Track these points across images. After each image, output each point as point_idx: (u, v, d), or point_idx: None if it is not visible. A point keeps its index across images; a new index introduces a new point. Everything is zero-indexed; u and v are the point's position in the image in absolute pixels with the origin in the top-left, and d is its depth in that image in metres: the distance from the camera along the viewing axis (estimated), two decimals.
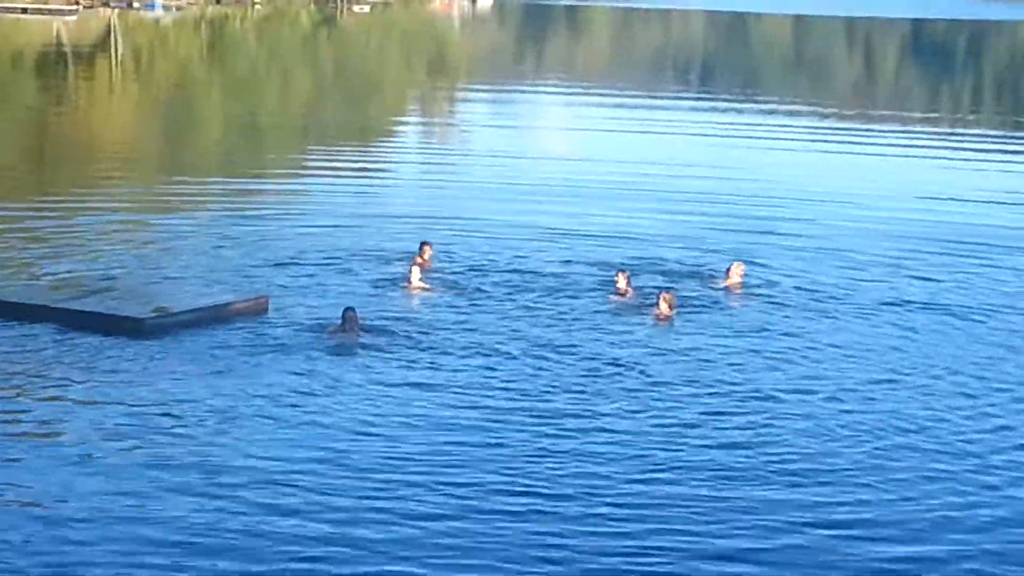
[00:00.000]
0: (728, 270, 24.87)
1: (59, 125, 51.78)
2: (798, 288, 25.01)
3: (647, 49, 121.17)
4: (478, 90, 74.23)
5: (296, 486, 15.23)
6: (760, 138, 51.12)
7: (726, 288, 24.48)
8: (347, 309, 21.09)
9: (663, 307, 22.50)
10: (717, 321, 22.62)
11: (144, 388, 18.21)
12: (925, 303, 24.40)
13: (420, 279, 24.02)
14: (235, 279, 24.36)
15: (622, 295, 23.62)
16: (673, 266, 26.59)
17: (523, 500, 15.15)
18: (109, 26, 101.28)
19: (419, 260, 25.42)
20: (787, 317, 23.06)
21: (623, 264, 25.50)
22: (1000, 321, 23.44)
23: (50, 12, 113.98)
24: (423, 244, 26.09)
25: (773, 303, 23.90)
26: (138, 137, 49.85)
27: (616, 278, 24.06)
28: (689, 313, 22.90)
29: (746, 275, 24.94)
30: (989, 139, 56.46)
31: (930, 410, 18.57)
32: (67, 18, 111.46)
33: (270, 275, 24.81)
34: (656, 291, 23.31)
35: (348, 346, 20.41)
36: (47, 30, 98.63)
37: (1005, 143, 55.21)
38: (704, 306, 23.46)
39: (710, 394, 18.93)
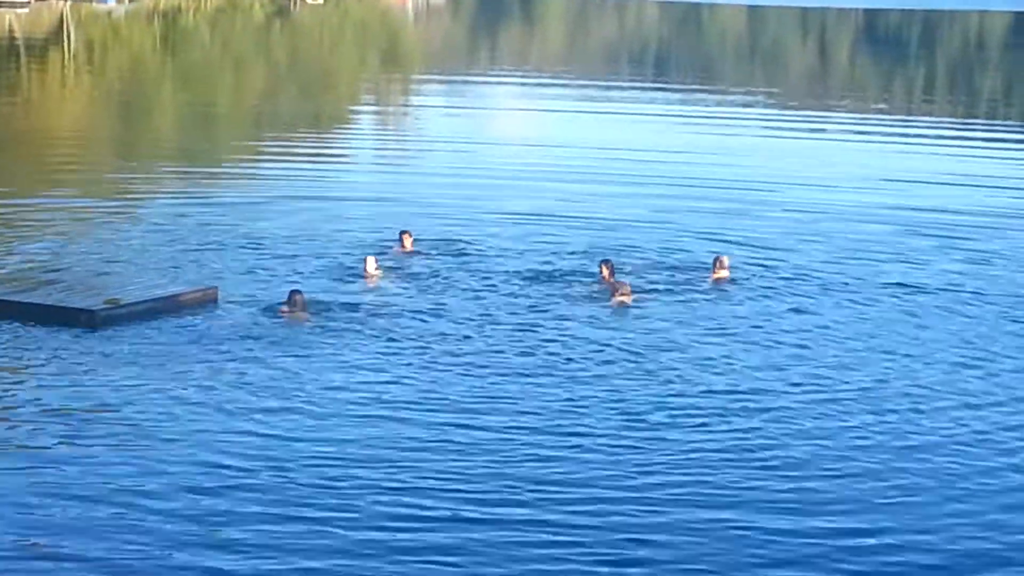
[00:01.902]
0: (715, 262, 24.28)
1: (10, 116, 51.36)
2: (785, 277, 24.69)
3: (603, 39, 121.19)
4: (433, 80, 74.11)
5: (249, 472, 15.15)
6: (718, 126, 51.15)
7: (714, 280, 23.88)
8: (293, 291, 21.40)
9: (622, 294, 22.41)
10: (710, 312, 22.24)
11: (100, 380, 18.01)
12: (909, 284, 24.35)
13: (376, 267, 23.88)
14: (186, 268, 24.23)
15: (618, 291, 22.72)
16: (653, 255, 26.23)
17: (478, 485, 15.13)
18: (62, 18, 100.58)
19: (399, 249, 25.36)
20: (783, 305, 22.80)
21: (606, 255, 24.80)
22: (1008, 305, 23.35)
23: (2, 4, 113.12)
24: (403, 233, 25.87)
25: (766, 292, 23.58)
26: (89, 127, 49.50)
27: (600, 269, 23.70)
28: (680, 304, 22.59)
29: (732, 265, 24.47)
30: (944, 125, 56.62)
31: (924, 389, 18.62)
32: (19, 10, 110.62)
33: (221, 263, 24.66)
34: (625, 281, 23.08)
35: (296, 330, 20.42)
36: None
37: (959, 129, 55.40)
38: (694, 298, 22.99)
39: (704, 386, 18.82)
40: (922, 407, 17.95)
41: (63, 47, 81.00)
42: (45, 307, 20.79)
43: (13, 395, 17.52)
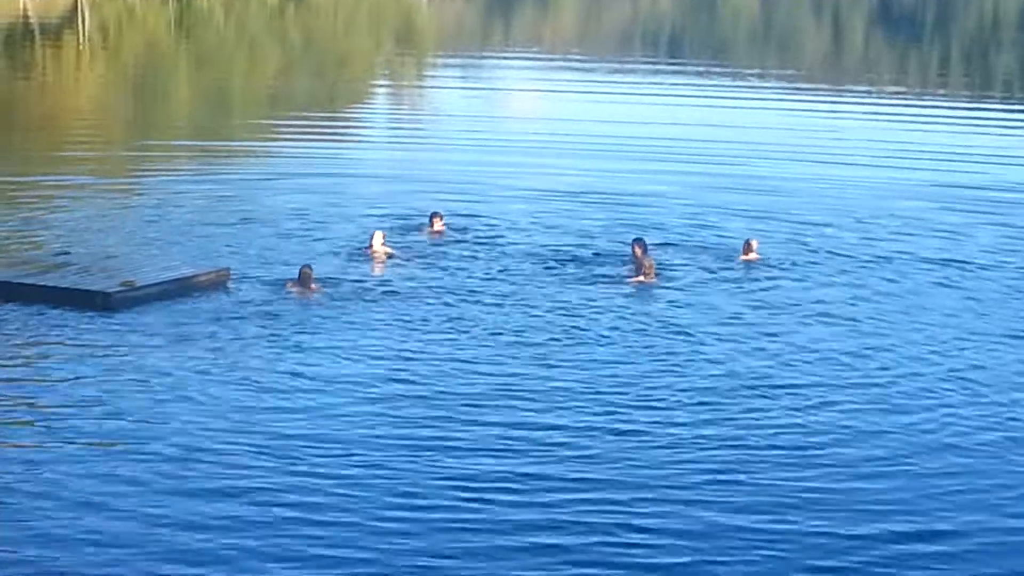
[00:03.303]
0: (745, 245, 24.12)
1: (24, 97, 51.35)
2: (814, 254, 24.70)
3: (617, 21, 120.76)
4: (447, 61, 73.93)
5: (265, 450, 15.24)
6: (735, 105, 50.84)
7: (745, 262, 23.72)
8: (304, 266, 21.70)
9: (645, 273, 22.24)
10: (739, 293, 22.12)
11: (118, 362, 18.08)
12: (944, 260, 24.42)
13: (383, 244, 23.84)
14: (200, 248, 24.34)
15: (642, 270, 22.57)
16: (679, 234, 26.14)
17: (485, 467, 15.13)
18: (76, 0, 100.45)
19: (431, 230, 25.33)
20: (815, 285, 22.72)
21: (635, 234, 24.59)
22: None
23: None
24: (433, 215, 25.81)
25: (797, 272, 23.44)
26: (103, 108, 49.47)
27: (632, 248, 23.37)
28: (708, 285, 22.51)
29: (761, 246, 24.34)
30: (962, 102, 56.38)
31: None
32: None
33: (235, 242, 24.79)
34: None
35: (307, 308, 20.55)
36: (13, 4, 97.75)
37: (978, 106, 55.16)
38: (724, 279, 22.89)
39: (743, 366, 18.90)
40: (974, 388, 17.76)
41: (77, 29, 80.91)
42: (61, 289, 20.86)
43: (32, 377, 17.57)
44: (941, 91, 62.12)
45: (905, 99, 56.13)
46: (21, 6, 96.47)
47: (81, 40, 75.56)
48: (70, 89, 56.62)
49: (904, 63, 79.37)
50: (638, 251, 23.08)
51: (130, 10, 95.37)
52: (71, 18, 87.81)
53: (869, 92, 58.28)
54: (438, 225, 25.52)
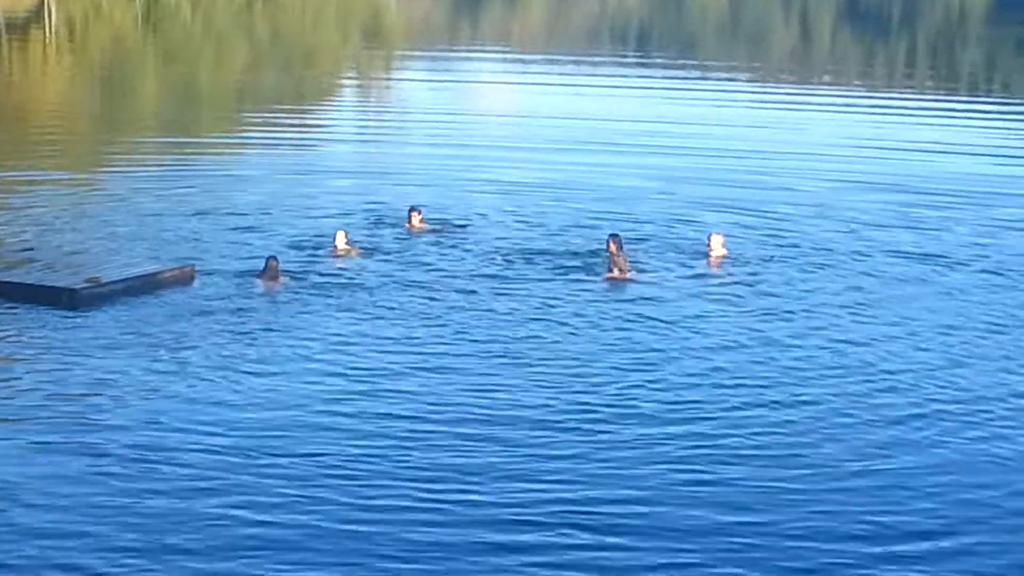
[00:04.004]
0: (708, 240, 23.80)
1: None
2: (790, 247, 24.68)
3: (584, 17, 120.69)
4: (415, 56, 73.79)
5: (234, 447, 15.18)
6: (703, 99, 50.73)
7: (708, 259, 23.48)
8: (270, 257, 21.80)
9: (619, 268, 22.17)
10: (708, 289, 22.02)
11: (84, 359, 17.95)
12: (915, 253, 24.42)
13: (346, 242, 23.70)
14: (165, 243, 24.25)
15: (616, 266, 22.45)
16: (650, 228, 26.04)
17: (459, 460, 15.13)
18: None
19: (409, 225, 25.16)
20: (779, 280, 22.61)
21: (608, 229, 24.53)
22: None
23: None
24: (411, 209, 25.61)
25: (764, 267, 23.32)
26: (69, 104, 49.21)
27: (608, 244, 23.18)
28: (679, 281, 22.45)
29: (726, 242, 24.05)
30: (929, 97, 56.45)
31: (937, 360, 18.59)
32: None
33: (201, 238, 24.70)
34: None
35: (272, 304, 20.53)
36: None
37: (944, 100, 55.27)
38: (692, 275, 22.78)
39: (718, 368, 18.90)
40: (956, 383, 17.75)
41: (44, 25, 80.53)
42: (26, 286, 20.74)
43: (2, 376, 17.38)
44: (908, 85, 62.28)
45: (872, 93, 56.30)
46: None
47: (47, 36, 75.23)
48: (36, 84, 56.29)
49: (871, 58, 79.56)
50: (613, 247, 22.98)
51: (96, 6, 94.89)
52: (38, 13, 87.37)
53: (837, 88, 58.41)
54: (417, 220, 25.36)
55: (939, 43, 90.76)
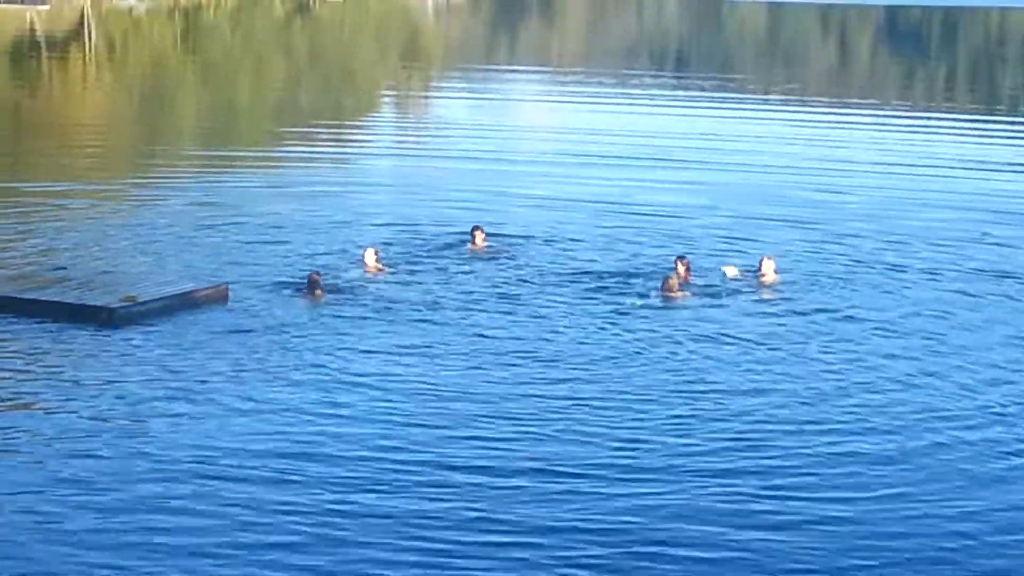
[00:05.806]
0: (760, 264, 23.34)
1: (30, 111, 51.28)
2: (845, 266, 24.41)
3: (623, 36, 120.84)
4: (454, 74, 73.86)
5: (274, 463, 15.14)
6: (745, 118, 50.60)
7: (761, 283, 22.97)
8: (312, 272, 21.95)
9: (673, 282, 21.96)
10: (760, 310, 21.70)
11: (123, 378, 17.88)
12: (962, 271, 24.24)
13: (376, 261, 23.54)
14: (202, 260, 24.20)
15: (675, 288, 22.01)
16: (705, 244, 25.92)
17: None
18: (82, 15, 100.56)
19: (472, 246, 24.91)
20: (844, 298, 22.34)
21: (684, 252, 24.18)
22: None
23: (23, 1, 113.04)
24: (474, 229, 25.31)
25: (827, 286, 23.06)
26: (109, 122, 49.37)
27: (675, 265, 22.84)
28: (730, 300, 22.15)
29: (778, 264, 23.58)
30: (975, 117, 56.31)
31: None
32: (40, 7, 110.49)
33: (239, 254, 24.66)
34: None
35: (310, 320, 20.49)
36: (20, 19, 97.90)
37: (985, 121, 55.06)
38: (746, 296, 22.42)
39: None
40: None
41: (84, 43, 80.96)
42: (63, 304, 20.73)
43: (37, 393, 17.37)
44: (949, 103, 61.97)
45: (914, 112, 56.03)
46: (28, 20, 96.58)
47: (87, 53, 75.59)
48: (75, 101, 56.53)
49: (911, 76, 79.28)
50: (681, 268, 22.74)
51: (136, 23, 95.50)
52: (78, 32, 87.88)
53: (877, 104, 58.07)
54: (480, 239, 25.09)
55: (979, 62, 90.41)
